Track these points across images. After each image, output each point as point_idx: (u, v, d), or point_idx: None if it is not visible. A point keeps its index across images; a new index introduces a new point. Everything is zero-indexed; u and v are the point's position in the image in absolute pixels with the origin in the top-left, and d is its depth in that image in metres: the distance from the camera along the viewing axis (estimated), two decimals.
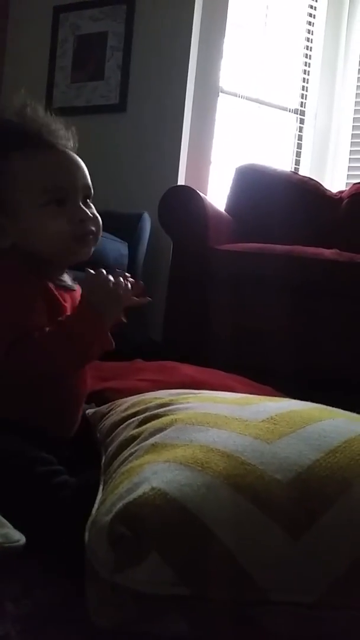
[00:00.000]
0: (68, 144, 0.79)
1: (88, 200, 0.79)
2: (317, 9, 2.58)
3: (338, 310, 1.63)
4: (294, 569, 0.47)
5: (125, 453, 0.63)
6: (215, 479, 0.52)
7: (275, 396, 1.01)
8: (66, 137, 0.78)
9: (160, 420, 0.68)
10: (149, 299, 0.83)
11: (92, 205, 0.80)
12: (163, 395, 0.78)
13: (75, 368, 0.77)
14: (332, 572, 0.48)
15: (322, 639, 0.49)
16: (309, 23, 2.59)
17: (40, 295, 0.76)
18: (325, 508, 0.50)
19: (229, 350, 1.68)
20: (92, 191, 0.80)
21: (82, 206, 0.77)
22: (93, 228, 0.78)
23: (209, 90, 2.35)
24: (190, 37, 2.27)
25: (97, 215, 0.80)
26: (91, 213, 0.78)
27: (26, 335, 0.72)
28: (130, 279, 0.82)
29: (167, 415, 0.69)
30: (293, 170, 2.53)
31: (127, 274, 0.82)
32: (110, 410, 0.81)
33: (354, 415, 0.73)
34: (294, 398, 0.83)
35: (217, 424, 0.64)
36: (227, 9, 2.32)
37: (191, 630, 0.48)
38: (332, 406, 0.76)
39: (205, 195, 2.14)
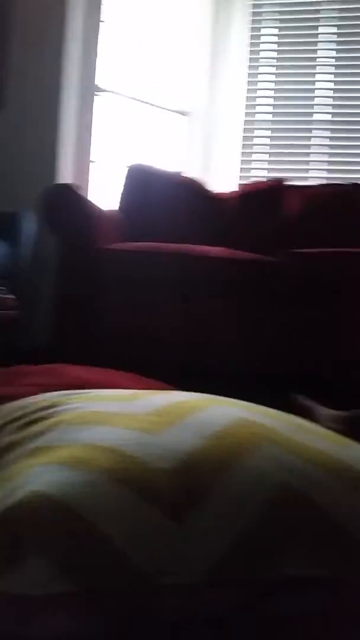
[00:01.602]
0: None
1: None
2: (201, 10, 2.65)
3: (226, 306, 1.69)
4: (178, 553, 0.48)
5: (6, 459, 0.60)
6: (99, 475, 0.51)
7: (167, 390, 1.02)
8: None
9: (43, 423, 0.66)
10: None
11: None
12: (48, 397, 0.76)
13: None
14: (215, 551, 0.49)
15: (209, 618, 0.50)
16: (194, 23, 2.65)
17: None
18: (207, 490, 0.52)
19: (121, 349, 1.67)
20: None
21: None
22: None
23: (85, 88, 2.34)
24: (64, 34, 2.26)
25: None
26: None
27: None
28: None
29: (51, 417, 0.67)
30: (182, 170, 2.59)
31: None
32: None
33: (238, 401, 0.76)
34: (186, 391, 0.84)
35: (102, 421, 0.63)
36: (100, 4, 2.32)
37: (79, 627, 0.47)
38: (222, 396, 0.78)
39: (89, 194, 2.12)
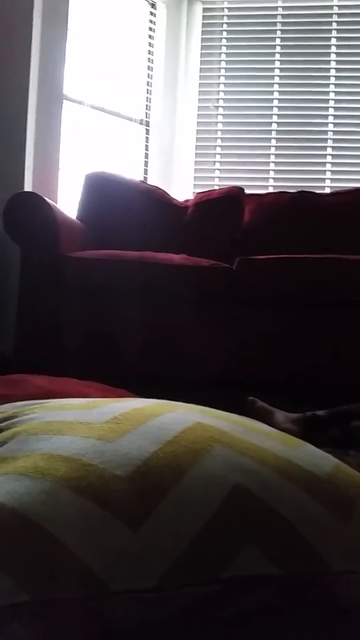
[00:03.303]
0: None
1: None
2: (156, 23, 2.70)
3: (187, 313, 1.72)
4: (133, 558, 0.50)
5: None
6: (55, 484, 0.53)
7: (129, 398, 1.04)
8: None
9: (3, 434, 0.67)
10: None
11: None
12: (7, 409, 0.77)
13: None
14: (170, 554, 0.51)
15: (167, 619, 0.52)
16: (150, 37, 2.70)
17: None
18: (162, 496, 0.54)
19: (85, 358, 1.68)
20: None
21: None
22: None
23: (52, 97, 2.34)
24: (31, 42, 2.24)
25: None
26: None
27: None
28: None
29: (10, 428, 0.67)
30: (142, 179, 2.62)
31: None
32: None
33: (194, 406, 0.78)
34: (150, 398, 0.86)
35: (60, 430, 0.64)
36: (67, 14, 2.33)
37: (37, 637, 0.48)
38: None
39: (56, 202, 2.12)
